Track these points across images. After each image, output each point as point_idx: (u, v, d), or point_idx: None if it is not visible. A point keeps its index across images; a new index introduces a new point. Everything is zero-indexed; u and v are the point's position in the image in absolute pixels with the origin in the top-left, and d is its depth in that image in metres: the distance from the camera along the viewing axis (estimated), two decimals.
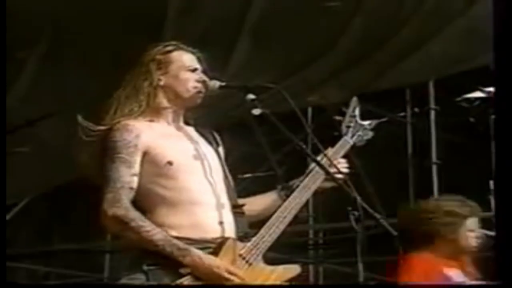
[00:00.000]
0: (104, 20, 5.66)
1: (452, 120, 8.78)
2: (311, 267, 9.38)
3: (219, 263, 2.82)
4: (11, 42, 5.27)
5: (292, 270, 3.01)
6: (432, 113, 8.34)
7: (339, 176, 3.09)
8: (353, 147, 3.34)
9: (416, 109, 8.84)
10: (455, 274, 3.95)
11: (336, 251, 8.68)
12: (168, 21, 5.70)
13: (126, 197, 2.86)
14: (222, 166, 3.10)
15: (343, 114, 3.39)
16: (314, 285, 9.18)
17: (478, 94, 9.06)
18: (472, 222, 4.08)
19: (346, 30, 6.31)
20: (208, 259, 2.82)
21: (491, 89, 8.46)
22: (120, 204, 2.83)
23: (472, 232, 4.03)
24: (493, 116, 8.10)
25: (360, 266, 2.84)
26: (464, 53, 6.76)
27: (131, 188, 2.89)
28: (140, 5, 5.59)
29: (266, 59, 6.23)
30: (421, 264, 3.92)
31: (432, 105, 8.37)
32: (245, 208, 3.09)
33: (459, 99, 9.21)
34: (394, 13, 6.21)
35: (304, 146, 3.04)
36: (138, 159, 2.93)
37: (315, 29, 6.16)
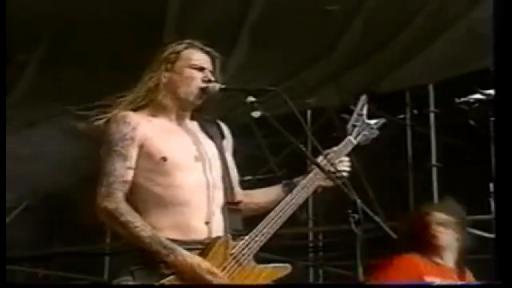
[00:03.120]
0: (104, 23, 5.66)
1: (452, 123, 8.77)
2: (311, 270, 9.38)
3: (202, 264, 2.82)
4: (12, 45, 5.27)
5: (281, 269, 3.00)
6: (432, 116, 8.33)
7: (340, 176, 3.08)
8: (357, 146, 3.33)
9: (415, 111, 8.84)
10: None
11: (335, 253, 8.68)
12: (167, 23, 5.70)
13: (119, 191, 2.87)
14: (224, 160, 3.09)
15: (350, 112, 3.37)
16: (314, 285, 9.19)
17: (477, 96, 9.06)
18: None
19: (346, 32, 6.31)
20: (192, 259, 2.82)
21: (491, 91, 8.47)
22: (112, 198, 2.85)
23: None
24: (493, 119, 8.10)
25: (360, 269, 2.83)
26: (464, 56, 6.76)
27: (125, 182, 2.89)
28: (140, 7, 5.59)
29: (265, 61, 6.23)
30: (406, 267, 4.00)
31: (432, 107, 8.36)
32: (246, 200, 3.10)
33: (458, 101, 9.21)
34: (394, 16, 6.21)
35: (304, 149, 3.04)
36: (134, 152, 2.92)
37: (315, 31, 6.15)
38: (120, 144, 2.91)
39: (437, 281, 4.05)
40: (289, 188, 3.13)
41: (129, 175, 2.90)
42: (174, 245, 2.82)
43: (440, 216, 4.18)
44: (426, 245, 4.11)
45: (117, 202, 2.85)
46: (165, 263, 2.81)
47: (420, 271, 4.03)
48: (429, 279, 4.04)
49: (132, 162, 2.91)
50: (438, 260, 4.16)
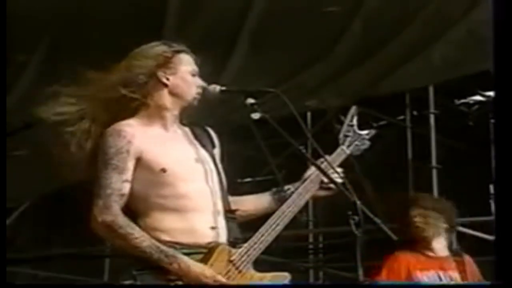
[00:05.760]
0: (104, 25, 5.66)
1: (452, 124, 8.78)
2: (311, 271, 9.38)
3: (208, 272, 2.81)
4: (11, 46, 5.27)
5: (281, 277, 3.01)
6: (432, 117, 8.34)
7: (338, 181, 3.08)
8: (350, 156, 3.35)
9: (415, 113, 8.84)
10: (428, 278, 4.07)
11: (336, 255, 8.68)
12: (166, 26, 5.70)
13: (116, 204, 2.86)
14: (217, 169, 3.08)
15: (341, 122, 3.39)
16: (314, 285, 9.19)
17: (477, 98, 9.07)
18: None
19: (345, 34, 6.30)
20: (196, 267, 2.81)
21: (491, 93, 8.48)
22: (109, 211, 2.84)
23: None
24: (492, 120, 8.11)
25: (360, 271, 2.84)
26: (464, 57, 6.76)
27: (122, 195, 2.88)
28: (139, 9, 5.59)
29: (264, 63, 6.23)
30: (397, 267, 4.07)
31: (432, 109, 8.37)
32: (235, 207, 3.08)
33: (458, 103, 9.22)
34: (394, 17, 6.21)
35: (304, 151, 3.04)
36: (130, 165, 2.91)
37: (314, 33, 6.15)
38: (116, 157, 2.89)
39: (431, 274, 4.10)
40: (279, 196, 3.14)
41: (126, 188, 2.89)
42: (176, 253, 2.81)
43: (419, 207, 4.24)
44: (412, 239, 4.17)
45: (115, 215, 2.83)
46: (168, 270, 2.79)
47: (410, 268, 4.08)
48: (421, 274, 4.09)
49: (128, 175, 2.90)
50: (429, 253, 4.20)
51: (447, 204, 4.42)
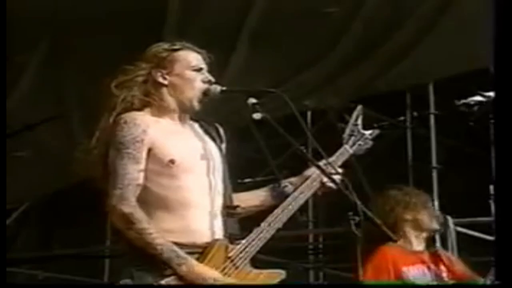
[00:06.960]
0: (104, 26, 5.66)
1: (452, 125, 8.78)
2: (311, 272, 9.38)
3: (217, 277, 2.81)
4: (12, 46, 5.28)
5: (277, 274, 3.00)
6: (432, 118, 8.34)
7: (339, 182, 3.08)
8: (353, 156, 3.34)
9: (415, 113, 8.84)
10: (414, 272, 4.02)
11: (336, 256, 8.68)
12: (167, 26, 5.70)
13: (133, 195, 2.84)
14: (223, 164, 3.08)
15: (346, 121, 3.39)
16: (314, 285, 9.19)
17: (478, 98, 9.08)
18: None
19: (343, 35, 6.31)
20: (205, 272, 2.81)
21: (491, 93, 8.48)
22: (128, 202, 2.82)
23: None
24: (492, 121, 8.11)
25: (360, 271, 2.84)
26: (463, 55, 6.77)
27: (138, 185, 2.87)
28: (140, 10, 5.59)
29: (264, 64, 6.23)
30: (380, 259, 3.99)
31: (432, 109, 8.36)
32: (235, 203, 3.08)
33: (459, 103, 9.22)
34: (392, 16, 6.22)
35: (304, 151, 3.03)
36: (144, 154, 2.90)
37: (313, 34, 6.16)
38: (131, 146, 2.88)
39: (417, 268, 4.04)
40: (276, 192, 3.14)
41: (141, 178, 2.88)
42: (187, 256, 2.80)
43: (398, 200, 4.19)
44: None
45: (133, 207, 2.82)
46: (175, 269, 2.79)
47: (396, 263, 4.01)
48: (407, 269, 4.03)
49: (143, 164, 2.89)
50: (409, 247, 4.14)
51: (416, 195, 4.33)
